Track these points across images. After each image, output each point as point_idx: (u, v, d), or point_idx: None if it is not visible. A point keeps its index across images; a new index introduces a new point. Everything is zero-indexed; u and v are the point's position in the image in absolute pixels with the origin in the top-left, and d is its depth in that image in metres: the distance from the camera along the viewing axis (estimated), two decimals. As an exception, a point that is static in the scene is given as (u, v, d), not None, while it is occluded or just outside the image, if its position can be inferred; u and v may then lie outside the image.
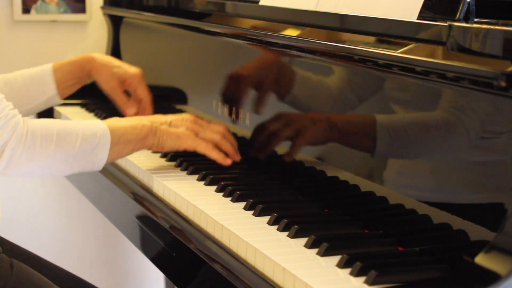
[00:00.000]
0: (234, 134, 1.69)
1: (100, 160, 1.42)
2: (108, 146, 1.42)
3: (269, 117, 1.53)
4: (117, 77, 1.81)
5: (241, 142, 1.66)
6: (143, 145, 1.49)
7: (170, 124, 1.52)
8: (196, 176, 1.50)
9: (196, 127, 1.54)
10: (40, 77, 1.77)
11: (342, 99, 1.36)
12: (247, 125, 1.62)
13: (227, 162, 1.52)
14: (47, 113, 2.13)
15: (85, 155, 1.40)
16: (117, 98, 1.81)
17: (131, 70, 1.83)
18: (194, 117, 1.56)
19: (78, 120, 1.47)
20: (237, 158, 1.55)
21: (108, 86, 1.81)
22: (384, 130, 1.24)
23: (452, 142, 1.12)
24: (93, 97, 2.34)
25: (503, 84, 0.99)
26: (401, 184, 1.24)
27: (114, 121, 1.47)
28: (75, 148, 1.38)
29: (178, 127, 1.52)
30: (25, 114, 1.73)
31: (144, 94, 1.83)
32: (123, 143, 1.45)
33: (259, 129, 1.55)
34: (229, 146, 1.54)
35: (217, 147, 1.53)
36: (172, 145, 1.51)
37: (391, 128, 1.24)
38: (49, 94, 1.77)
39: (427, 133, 1.16)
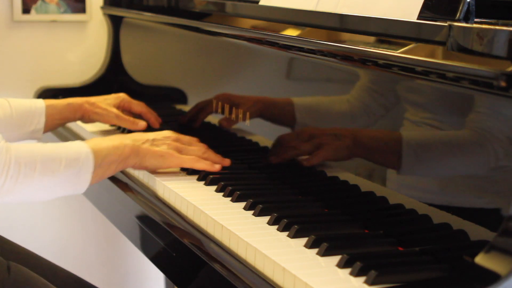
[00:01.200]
0: (234, 134, 1.70)
1: (83, 184, 1.40)
2: (91, 170, 1.40)
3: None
4: (113, 105, 1.84)
5: (241, 142, 1.66)
6: (125, 165, 1.48)
7: (152, 143, 1.51)
8: (196, 176, 1.50)
9: (179, 145, 1.53)
10: (34, 108, 1.75)
11: (365, 112, 1.34)
12: (247, 125, 1.62)
13: (216, 168, 1.50)
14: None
15: (68, 180, 1.38)
16: (125, 121, 1.81)
17: (118, 94, 1.88)
18: (176, 134, 1.56)
19: (61, 143, 1.43)
20: (226, 163, 1.54)
21: (112, 116, 1.81)
22: (410, 148, 1.21)
23: (476, 158, 1.11)
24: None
25: (503, 84, 0.99)
26: (403, 185, 1.24)
27: (97, 142, 1.45)
28: (59, 174, 1.36)
29: (160, 146, 1.51)
30: (8, 140, 1.74)
31: (138, 108, 1.86)
32: (106, 165, 1.43)
33: (282, 141, 1.54)
34: (214, 155, 1.54)
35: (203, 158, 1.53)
36: (155, 164, 1.50)
37: (417, 145, 1.20)
38: (37, 126, 1.75)
39: (451, 150, 1.14)
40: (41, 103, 1.78)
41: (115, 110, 1.82)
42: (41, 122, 1.76)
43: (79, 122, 1.92)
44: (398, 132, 1.23)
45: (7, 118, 1.71)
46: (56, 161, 1.35)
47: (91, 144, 1.43)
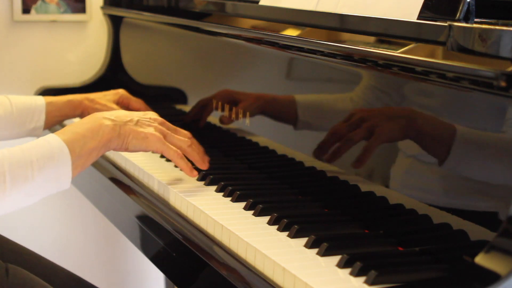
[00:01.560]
0: (234, 134, 1.69)
1: (64, 180, 1.31)
2: (70, 164, 1.30)
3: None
4: (112, 101, 1.84)
5: (241, 142, 1.66)
6: (107, 148, 1.39)
7: (136, 123, 1.43)
8: (195, 176, 1.50)
9: (165, 130, 1.45)
10: (34, 106, 1.74)
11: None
12: (247, 125, 1.62)
13: (194, 174, 1.44)
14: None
15: (47, 180, 1.28)
16: None
17: (117, 90, 1.89)
18: (162, 119, 1.49)
19: (30, 142, 1.31)
20: (205, 166, 1.48)
21: None
22: (462, 144, 1.13)
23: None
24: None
25: (503, 84, 0.99)
26: (404, 185, 1.24)
27: (71, 130, 1.35)
28: (33, 179, 1.26)
29: (145, 127, 1.43)
30: (9, 137, 1.74)
31: (137, 104, 1.86)
32: (85, 154, 1.34)
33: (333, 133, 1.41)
34: (195, 154, 1.47)
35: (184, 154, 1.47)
36: (138, 145, 1.42)
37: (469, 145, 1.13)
38: (37, 124, 1.74)
39: (498, 154, 1.08)
40: (41, 100, 1.77)
41: (114, 106, 1.82)
42: (41, 119, 1.75)
43: (77, 119, 1.89)
44: (453, 126, 1.15)
45: (7, 116, 1.70)
46: (27, 166, 1.25)
47: (65, 135, 1.33)
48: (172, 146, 1.44)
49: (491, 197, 1.08)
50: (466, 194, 1.12)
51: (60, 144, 1.31)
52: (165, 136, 1.45)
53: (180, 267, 1.36)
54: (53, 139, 1.32)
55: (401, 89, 1.24)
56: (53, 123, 1.80)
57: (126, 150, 1.43)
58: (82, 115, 1.81)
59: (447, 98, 1.14)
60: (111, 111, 1.45)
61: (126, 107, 1.86)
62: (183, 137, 1.48)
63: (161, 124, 1.47)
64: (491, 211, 1.07)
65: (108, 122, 1.39)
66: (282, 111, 1.53)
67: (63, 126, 1.97)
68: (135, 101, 1.88)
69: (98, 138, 1.37)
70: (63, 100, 1.80)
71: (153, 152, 1.53)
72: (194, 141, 1.51)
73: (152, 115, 1.48)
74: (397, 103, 1.26)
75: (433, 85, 1.15)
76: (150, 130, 1.43)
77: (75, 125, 1.38)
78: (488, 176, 1.08)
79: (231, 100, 1.68)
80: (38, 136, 1.77)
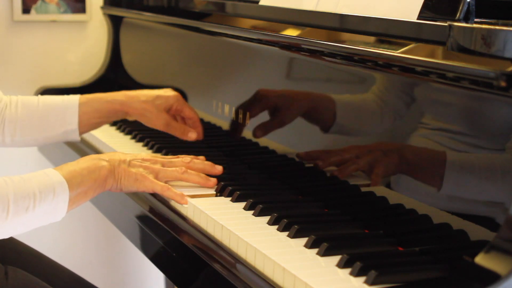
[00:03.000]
0: (234, 134, 1.69)
1: (59, 214, 1.32)
2: (67, 200, 1.31)
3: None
4: (163, 109, 1.65)
5: (241, 143, 1.66)
6: (103, 188, 1.38)
7: (129, 164, 1.41)
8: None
9: (156, 167, 1.43)
10: (64, 107, 1.61)
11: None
12: (247, 125, 1.62)
13: (184, 201, 1.38)
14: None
15: (44, 212, 1.29)
16: (174, 130, 1.64)
17: (171, 94, 1.68)
18: (153, 157, 1.47)
19: (32, 174, 1.30)
20: (210, 184, 1.44)
21: (161, 123, 1.64)
22: (454, 168, 1.15)
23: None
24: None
25: (503, 84, 0.99)
26: (404, 185, 1.24)
27: (68, 168, 1.34)
28: (33, 212, 1.27)
29: (137, 167, 1.42)
30: (39, 143, 1.64)
31: (191, 113, 1.68)
32: (82, 192, 1.34)
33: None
34: (194, 177, 1.44)
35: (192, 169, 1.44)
36: (130, 186, 1.41)
37: (461, 166, 1.14)
38: (68, 127, 1.62)
39: (492, 174, 1.09)
40: (75, 99, 1.63)
41: (162, 116, 1.65)
42: (73, 122, 1.61)
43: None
44: (443, 151, 1.17)
45: (37, 117, 1.60)
46: (30, 198, 1.26)
47: (63, 171, 1.33)
48: (159, 182, 1.41)
49: (491, 196, 1.08)
50: (468, 194, 1.12)
51: (60, 179, 1.31)
52: (157, 174, 1.43)
53: (180, 267, 1.36)
54: (52, 173, 1.32)
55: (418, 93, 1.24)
56: (90, 127, 1.65)
57: (121, 190, 1.42)
58: (127, 116, 1.67)
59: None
60: (105, 154, 1.44)
61: (179, 114, 1.69)
62: (179, 165, 1.45)
63: (152, 162, 1.45)
64: (491, 211, 1.07)
65: (104, 163, 1.38)
66: (322, 112, 1.46)
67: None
68: (190, 108, 1.69)
69: (95, 177, 1.36)
70: (103, 100, 1.64)
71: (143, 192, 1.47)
72: (195, 162, 1.47)
73: (144, 155, 1.46)
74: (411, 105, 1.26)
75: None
76: (140, 170, 1.42)
77: (71, 163, 1.37)
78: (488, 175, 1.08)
79: (269, 103, 1.58)
80: (75, 140, 1.65)
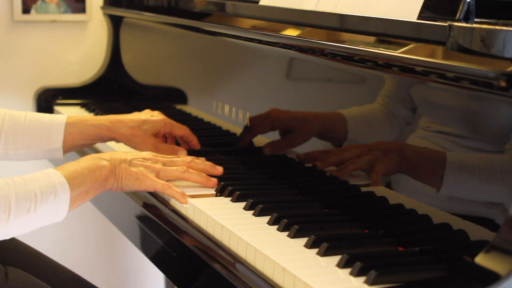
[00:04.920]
0: (234, 134, 1.69)
1: (60, 214, 1.32)
2: (68, 200, 1.31)
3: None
4: (150, 133, 1.65)
5: (239, 142, 1.66)
6: (104, 187, 1.38)
7: (130, 163, 1.41)
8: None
9: (157, 166, 1.43)
10: (51, 125, 1.60)
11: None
12: (247, 125, 1.62)
13: (184, 200, 1.38)
14: (48, 111, 2.13)
15: (44, 215, 1.29)
16: (163, 152, 1.60)
17: (158, 118, 1.66)
18: (155, 156, 1.46)
19: (33, 174, 1.30)
20: (210, 184, 1.44)
21: (149, 148, 1.62)
22: (454, 168, 1.15)
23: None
24: (93, 97, 2.34)
25: (503, 84, 0.99)
26: (404, 185, 1.24)
27: (69, 168, 1.34)
28: (34, 212, 1.27)
29: (137, 167, 1.42)
30: (20, 158, 1.63)
31: (181, 131, 1.67)
32: (83, 192, 1.34)
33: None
34: (195, 177, 1.44)
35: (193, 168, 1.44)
36: (131, 185, 1.41)
37: (460, 167, 1.14)
38: (53, 146, 1.61)
39: (493, 175, 1.09)
40: (62, 119, 1.62)
41: (150, 140, 1.63)
42: (58, 140, 1.61)
43: (104, 145, 1.79)
44: (443, 152, 1.17)
45: (23, 132, 1.60)
46: (31, 199, 1.26)
47: (65, 171, 1.33)
48: (159, 181, 1.42)
49: (492, 196, 1.08)
50: (468, 194, 1.12)
51: (61, 180, 1.31)
52: (158, 173, 1.43)
53: (180, 267, 1.36)
54: (53, 174, 1.32)
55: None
56: (74, 148, 1.65)
57: (122, 189, 1.42)
58: (114, 140, 1.67)
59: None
60: (107, 153, 1.43)
61: (170, 134, 1.68)
62: (179, 164, 1.45)
63: (153, 161, 1.45)
64: (491, 211, 1.07)
65: (105, 162, 1.38)
66: (333, 129, 1.46)
67: (87, 152, 1.85)
68: (179, 127, 1.67)
69: (96, 176, 1.36)
70: (90, 123, 1.63)
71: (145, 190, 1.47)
72: (195, 162, 1.47)
73: (146, 154, 1.46)
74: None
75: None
76: (141, 169, 1.42)
77: (71, 163, 1.37)
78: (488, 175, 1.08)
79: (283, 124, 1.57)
80: (58, 158, 1.64)
